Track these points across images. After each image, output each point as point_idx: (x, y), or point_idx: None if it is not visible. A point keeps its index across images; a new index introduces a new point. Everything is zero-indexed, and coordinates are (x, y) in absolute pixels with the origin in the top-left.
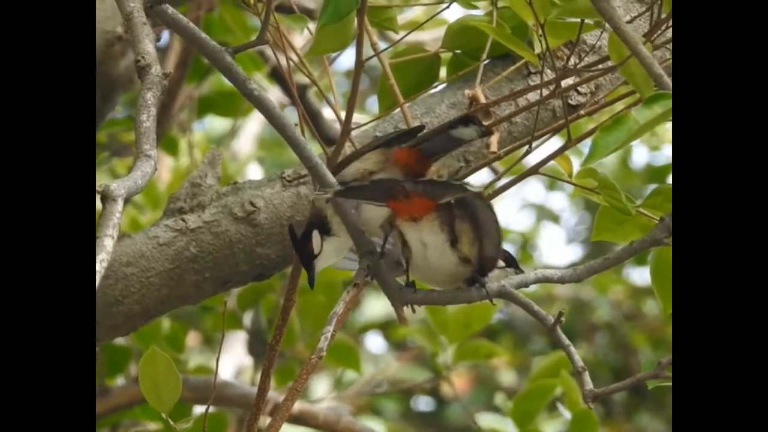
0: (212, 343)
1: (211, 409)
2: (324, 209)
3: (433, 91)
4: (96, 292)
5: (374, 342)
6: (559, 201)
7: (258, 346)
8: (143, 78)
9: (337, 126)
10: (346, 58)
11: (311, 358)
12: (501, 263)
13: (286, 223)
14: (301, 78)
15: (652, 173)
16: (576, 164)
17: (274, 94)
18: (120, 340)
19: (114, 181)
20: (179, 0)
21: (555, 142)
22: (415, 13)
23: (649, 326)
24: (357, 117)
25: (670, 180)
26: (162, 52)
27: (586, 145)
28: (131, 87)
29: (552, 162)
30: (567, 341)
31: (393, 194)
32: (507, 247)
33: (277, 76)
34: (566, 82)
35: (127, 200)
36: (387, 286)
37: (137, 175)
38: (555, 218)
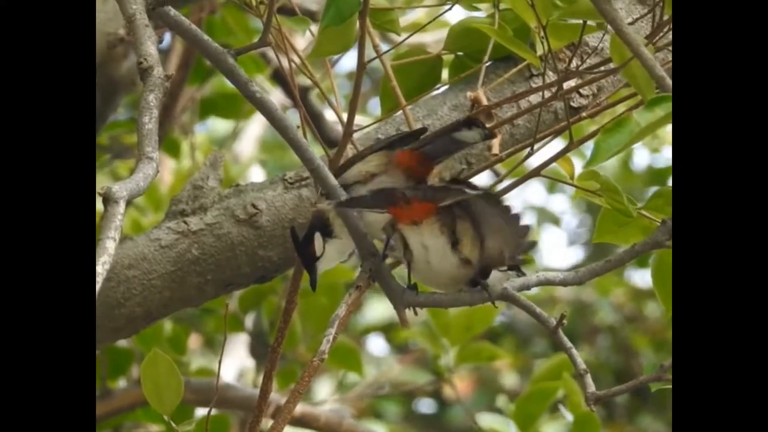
0: (214, 346)
1: (213, 411)
2: (325, 211)
3: (435, 93)
4: (97, 294)
5: (376, 344)
6: (560, 203)
7: (260, 349)
8: (145, 80)
9: (339, 128)
10: (348, 60)
11: (313, 361)
12: (503, 267)
13: (288, 225)
14: (303, 80)
15: (653, 175)
16: (578, 166)
17: (276, 96)
18: (122, 343)
19: (116, 183)
20: (181, 2)
21: (557, 145)
22: (417, 15)
23: (650, 329)
24: (359, 119)
25: (671, 182)
26: (164, 54)
27: (587, 148)
28: (133, 89)
29: (554, 164)
30: (569, 344)
31: (394, 201)
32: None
33: (279, 78)
34: (568, 84)
35: (128, 202)
36: (389, 288)
37: (139, 177)
38: (556, 220)
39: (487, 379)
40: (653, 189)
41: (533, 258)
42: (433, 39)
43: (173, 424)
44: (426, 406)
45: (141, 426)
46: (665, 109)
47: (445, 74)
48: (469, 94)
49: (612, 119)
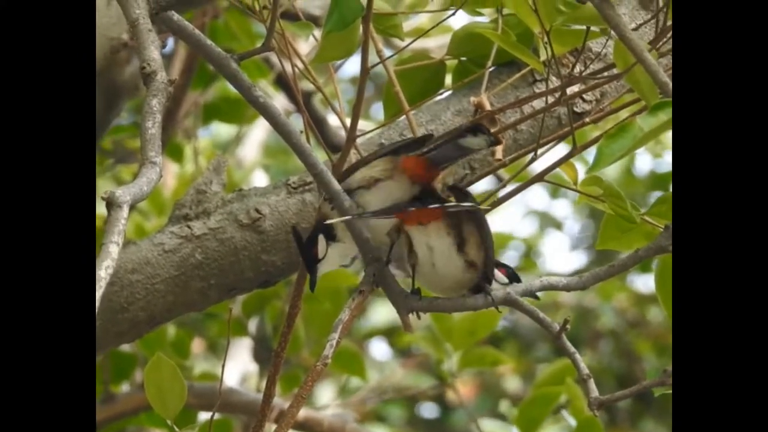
0: (217, 350)
1: (217, 415)
2: (329, 215)
3: (438, 98)
4: (101, 299)
5: (379, 349)
6: (563, 208)
7: (263, 353)
8: (149, 85)
9: (343, 133)
10: (351, 65)
11: (317, 365)
12: (503, 278)
13: (291, 228)
14: (306, 85)
15: (656, 180)
16: (581, 172)
17: (279, 101)
18: (125, 347)
19: (119, 187)
20: (185, 6)
21: (560, 150)
22: (420, 20)
23: (653, 333)
24: (362, 124)
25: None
26: (167, 58)
27: (590, 153)
28: (136, 93)
29: (557, 169)
30: (572, 349)
31: (400, 208)
32: (511, 254)
33: (282, 83)
34: (571, 90)
35: (132, 207)
36: (392, 293)
37: (143, 182)
38: (558, 225)
39: (490, 383)
40: (656, 194)
41: (535, 263)
42: (436, 44)
43: (176, 429)
44: (429, 410)
45: (144, 430)
46: (668, 114)
47: (448, 79)
48: (472, 99)
49: (615, 124)
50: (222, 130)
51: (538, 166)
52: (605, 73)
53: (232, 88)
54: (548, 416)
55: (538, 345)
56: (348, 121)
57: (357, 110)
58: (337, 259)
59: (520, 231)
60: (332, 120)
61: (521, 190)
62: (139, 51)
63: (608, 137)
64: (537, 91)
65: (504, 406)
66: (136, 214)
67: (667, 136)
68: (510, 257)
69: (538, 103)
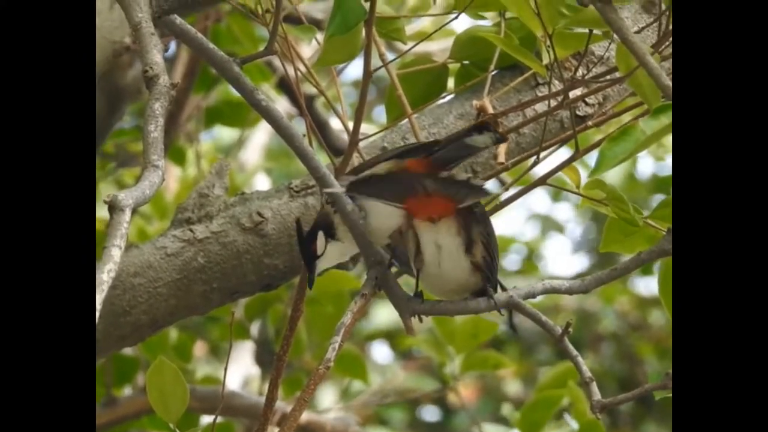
0: (219, 353)
1: (219, 419)
2: (331, 215)
3: (440, 101)
4: (103, 302)
5: (381, 352)
6: (565, 211)
7: (265, 357)
8: (151, 88)
9: (345, 136)
10: (353, 69)
11: (319, 369)
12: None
13: (294, 233)
14: (308, 88)
15: (658, 183)
16: (583, 175)
17: (281, 105)
18: (127, 351)
19: (122, 191)
20: (187, 10)
21: (562, 153)
22: (423, 23)
23: (654, 336)
24: (364, 127)
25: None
26: (169, 62)
27: (593, 156)
28: (139, 97)
29: (559, 173)
30: (575, 352)
31: (413, 190)
32: (513, 257)
33: (284, 86)
34: (574, 93)
35: (134, 210)
36: (395, 296)
37: (145, 186)
38: (560, 228)
39: (491, 387)
40: (658, 197)
41: (537, 266)
42: (438, 48)
43: None
44: (431, 413)
45: None
46: (670, 117)
47: (450, 83)
48: (475, 102)
49: (618, 128)
50: (224, 133)
51: (540, 170)
52: (608, 77)
53: (234, 92)
54: (550, 419)
55: (539, 348)
56: (350, 125)
57: (360, 114)
58: (335, 257)
59: (522, 234)
60: (335, 123)
61: (524, 193)
62: (141, 54)
63: (611, 140)
64: (539, 94)
65: (506, 409)
66: (138, 218)
67: (670, 140)
68: (512, 260)
69: (540, 107)
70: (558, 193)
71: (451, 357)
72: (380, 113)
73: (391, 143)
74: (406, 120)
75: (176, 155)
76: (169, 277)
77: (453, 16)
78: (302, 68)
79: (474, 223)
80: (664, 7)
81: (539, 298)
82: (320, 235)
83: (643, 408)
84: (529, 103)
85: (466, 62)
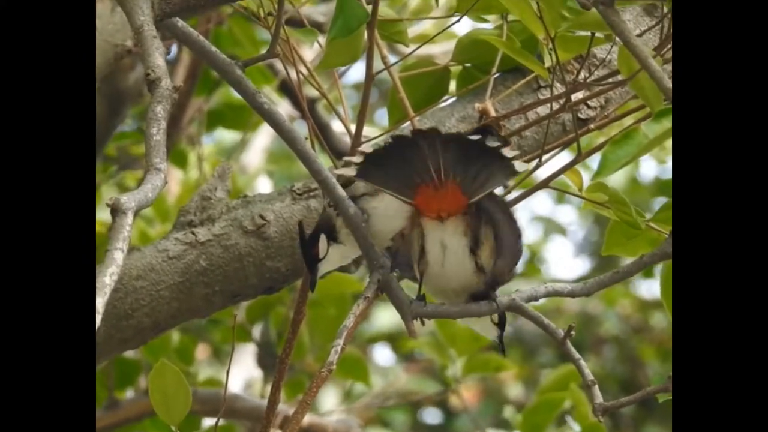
0: (221, 356)
1: (221, 421)
2: (333, 218)
3: (442, 104)
4: (105, 305)
5: (383, 354)
6: (567, 214)
7: (267, 359)
8: (153, 91)
9: (347, 139)
10: (355, 72)
11: (321, 371)
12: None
13: (296, 236)
14: (310, 91)
15: (661, 186)
16: (586, 178)
17: (283, 108)
18: (129, 353)
19: (124, 194)
20: (189, 13)
21: (565, 156)
22: (425, 26)
23: (656, 339)
24: (366, 130)
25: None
26: (171, 65)
27: (595, 159)
28: (140, 100)
29: (561, 175)
30: (577, 355)
31: (425, 175)
32: None
33: (286, 89)
34: (576, 96)
35: (136, 213)
36: (397, 299)
37: (147, 189)
38: (563, 231)
39: (493, 389)
40: (660, 200)
41: (539, 269)
42: (441, 50)
43: None
44: (432, 416)
45: None
46: None
47: (452, 86)
48: (477, 105)
49: (620, 131)
50: (226, 136)
51: (542, 173)
52: (610, 80)
53: (236, 95)
54: (552, 422)
55: (541, 350)
56: (352, 128)
57: (362, 116)
58: (337, 260)
59: (524, 237)
60: (336, 126)
61: (526, 196)
62: (143, 57)
63: (613, 144)
64: (541, 97)
65: (508, 412)
66: (140, 221)
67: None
68: None
69: (542, 110)
70: (561, 195)
71: (452, 359)
72: (382, 116)
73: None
74: (408, 123)
75: (178, 158)
76: (171, 279)
77: (455, 18)
78: (304, 71)
79: (483, 224)
80: (666, 10)
81: (541, 300)
82: (322, 238)
83: (644, 411)
84: (531, 106)
85: (468, 65)
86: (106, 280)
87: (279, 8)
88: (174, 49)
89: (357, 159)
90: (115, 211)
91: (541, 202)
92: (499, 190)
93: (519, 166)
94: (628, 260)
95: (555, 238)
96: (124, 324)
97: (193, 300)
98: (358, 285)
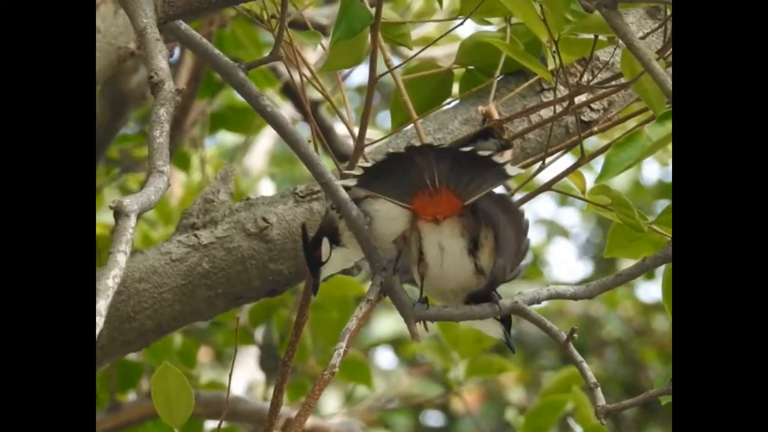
0: (224, 359)
1: (224, 424)
2: (336, 220)
3: (446, 107)
4: (108, 307)
5: (385, 357)
6: (570, 216)
7: (270, 362)
8: (156, 94)
9: (350, 142)
10: (358, 74)
11: (324, 374)
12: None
13: (299, 239)
14: (313, 93)
15: (663, 189)
16: (589, 181)
17: (286, 110)
18: (132, 356)
19: (127, 196)
20: (192, 16)
21: (568, 159)
22: (428, 29)
23: (658, 342)
24: (369, 133)
25: None
26: (173, 67)
27: (598, 162)
28: (143, 102)
29: (565, 178)
30: (580, 357)
31: (421, 183)
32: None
33: (289, 92)
34: (579, 99)
35: (139, 216)
36: (400, 302)
37: (150, 191)
38: (566, 234)
39: (495, 392)
40: (663, 203)
41: (542, 271)
42: (444, 53)
43: None
44: (434, 419)
45: None
46: None
47: (456, 88)
48: (480, 108)
49: (623, 134)
50: (228, 138)
51: (545, 175)
52: (613, 82)
53: (238, 97)
54: (554, 425)
55: (543, 353)
56: (356, 130)
57: (365, 119)
58: (339, 263)
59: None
60: (340, 129)
61: (529, 198)
62: (146, 60)
63: (616, 146)
64: (545, 100)
65: (510, 414)
66: (142, 223)
67: None
68: None
69: (545, 112)
70: (564, 197)
71: (455, 362)
72: (384, 118)
73: (396, 149)
74: (411, 125)
75: (181, 161)
76: (173, 282)
77: (458, 21)
78: (307, 73)
79: (484, 225)
80: (668, 13)
81: (544, 303)
82: (325, 242)
83: (646, 413)
84: (534, 108)
85: (472, 68)
86: (109, 283)
87: (282, 11)
88: (177, 51)
89: (356, 172)
90: (118, 213)
91: (544, 205)
92: (500, 191)
93: (511, 170)
94: (630, 263)
95: (558, 240)
96: (127, 326)
97: (196, 302)
98: (360, 288)
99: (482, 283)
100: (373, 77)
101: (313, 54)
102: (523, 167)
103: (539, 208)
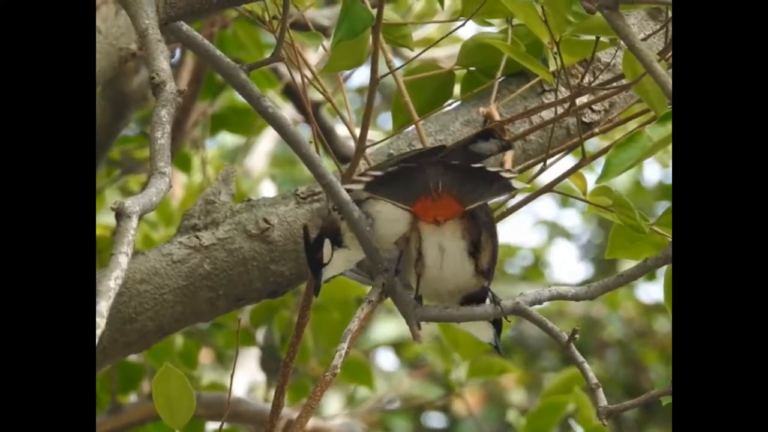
0: (225, 360)
1: (225, 425)
2: (337, 222)
3: (447, 108)
4: (109, 309)
5: (386, 359)
6: (571, 217)
7: (271, 363)
8: (158, 95)
9: (351, 143)
10: (359, 75)
11: (325, 375)
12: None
13: (300, 240)
14: (314, 94)
15: (665, 190)
16: (590, 182)
17: (287, 111)
18: (133, 357)
19: (129, 198)
20: (194, 17)
21: (569, 160)
22: (429, 30)
23: (659, 343)
24: (370, 134)
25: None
26: (175, 68)
27: (599, 163)
28: (144, 103)
29: (566, 179)
30: (581, 358)
31: (425, 188)
32: (518, 262)
33: (290, 93)
34: (581, 100)
35: (141, 217)
36: (402, 303)
37: (152, 192)
38: (567, 235)
39: (496, 393)
40: (664, 204)
41: (543, 272)
42: (445, 54)
43: None
44: (436, 420)
45: None
46: None
47: (457, 89)
48: (481, 109)
49: (624, 135)
50: (229, 139)
51: (547, 177)
52: (614, 84)
53: (240, 98)
54: (556, 426)
55: (544, 354)
56: (357, 131)
57: (366, 120)
58: (341, 265)
59: (528, 240)
60: (341, 130)
61: (530, 200)
62: (147, 61)
63: (617, 147)
64: (546, 101)
65: (511, 415)
66: (144, 224)
67: None
68: (518, 267)
69: (547, 114)
70: (566, 199)
71: (456, 364)
72: (386, 120)
73: (397, 150)
74: (413, 126)
75: (182, 162)
76: (175, 283)
77: (460, 22)
78: (308, 74)
79: (483, 228)
80: (670, 14)
81: (545, 304)
82: (327, 243)
83: (647, 414)
84: (535, 110)
85: (473, 69)
86: (111, 284)
87: (284, 12)
88: (178, 52)
89: (367, 179)
90: (120, 215)
91: (546, 206)
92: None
93: (517, 184)
94: (631, 264)
95: (559, 241)
96: (128, 328)
97: (197, 304)
98: (362, 289)
99: (480, 284)
100: (374, 78)
101: (315, 55)
102: (524, 168)
103: (540, 210)
